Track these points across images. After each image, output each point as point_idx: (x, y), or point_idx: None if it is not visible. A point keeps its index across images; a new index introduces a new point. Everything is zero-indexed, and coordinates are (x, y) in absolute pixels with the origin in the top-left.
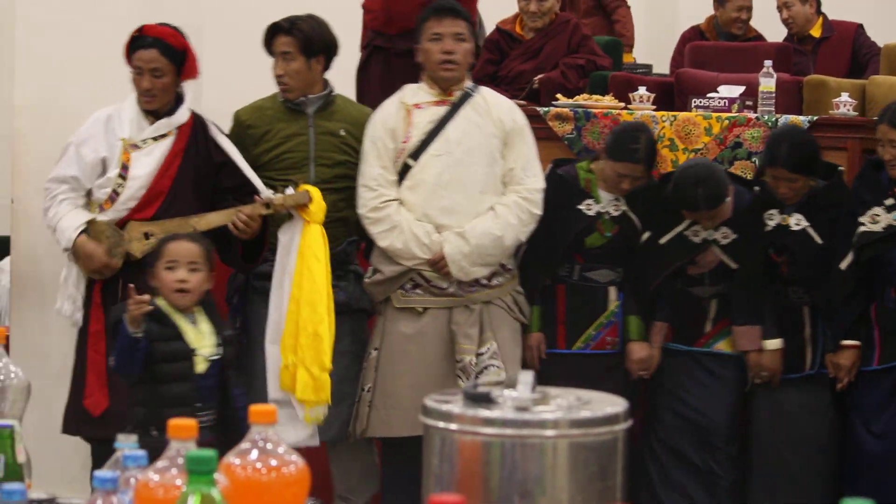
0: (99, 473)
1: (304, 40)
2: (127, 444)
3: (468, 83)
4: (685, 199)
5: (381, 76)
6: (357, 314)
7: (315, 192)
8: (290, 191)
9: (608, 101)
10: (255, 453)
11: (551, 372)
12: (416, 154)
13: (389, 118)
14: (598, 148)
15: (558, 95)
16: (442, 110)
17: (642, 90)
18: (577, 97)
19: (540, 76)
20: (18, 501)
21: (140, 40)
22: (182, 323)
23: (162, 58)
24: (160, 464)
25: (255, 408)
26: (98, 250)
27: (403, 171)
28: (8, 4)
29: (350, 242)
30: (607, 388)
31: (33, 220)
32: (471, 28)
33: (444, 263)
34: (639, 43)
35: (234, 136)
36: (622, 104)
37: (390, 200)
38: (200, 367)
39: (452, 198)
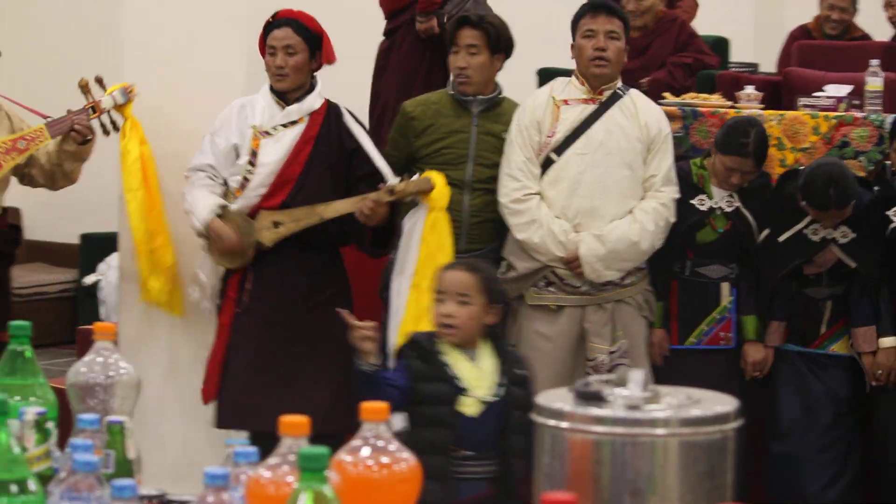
0: (210, 470)
1: (493, 35)
2: (238, 441)
3: (619, 84)
4: (816, 199)
5: (401, 60)
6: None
7: (438, 179)
8: (415, 176)
9: (716, 99)
10: (366, 450)
11: (666, 367)
12: (559, 150)
13: (538, 109)
14: (710, 143)
15: (665, 94)
16: (589, 108)
17: (749, 89)
18: (684, 96)
19: (648, 77)
20: (129, 497)
21: (274, 23)
22: (456, 360)
23: (295, 35)
24: (272, 460)
25: (366, 405)
26: (229, 232)
27: (546, 166)
28: (116, 2)
29: (500, 243)
30: (722, 385)
31: None
32: (626, 27)
33: (577, 263)
34: (746, 41)
35: (398, 125)
36: (729, 103)
37: (532, 194)
38: (472, 409)
39: (592, 198)
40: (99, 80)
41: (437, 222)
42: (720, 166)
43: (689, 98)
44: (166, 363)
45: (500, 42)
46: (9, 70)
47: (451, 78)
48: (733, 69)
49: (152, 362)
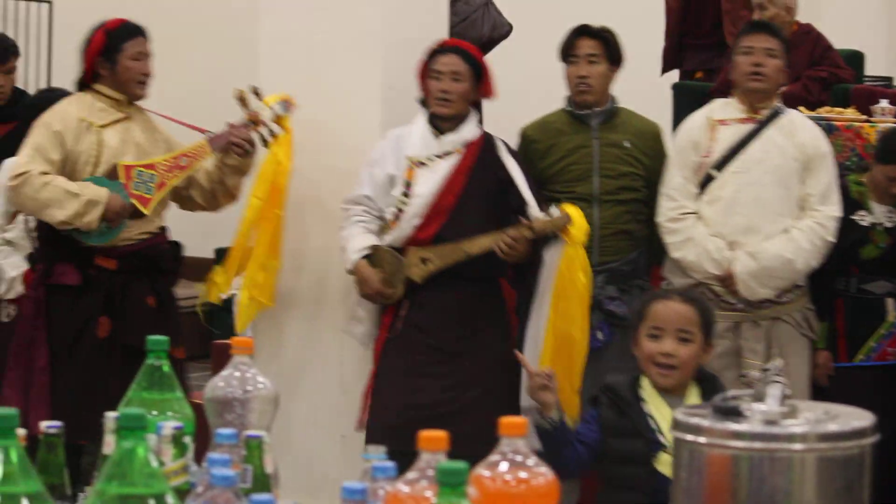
0: (348, 485)
1: (612, 45)
2: (376, 456)
3: (777, 103)
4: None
5: None
6: None
7: (576, 214)
8: (554, 211)
9: (850, 113)
10: (504, 465)
11: (836, 386)
12: (716, 169)
13: (694, 130)
14: (845, 157)
15: (800, 108)
16: (747, 128)
17: (884, 103)
18: (818, 110)
19: (783, 89)
20: None
21: (439, 49)
22: (659, 407)
23: (463, 63)
24: (410, 475)
25: (505, 420)
26: (373, 277)
27: (705, 183)
28: (252, 17)
29: (639, 255)
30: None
31: None
32: (785, 47)
33: (732, 281)
34: (881, 55)
35: (520, 152)
36: (864, 117)
37: (688, 213)
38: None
39: (748, 216)
40: (255, 91)
41: (573, 258)
42: (881, 177)
43: (824, 112)
44: (300, 378)
45: (617, 52)
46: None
47: (567, 94)
48: (868, 83)
49: (286, 377)
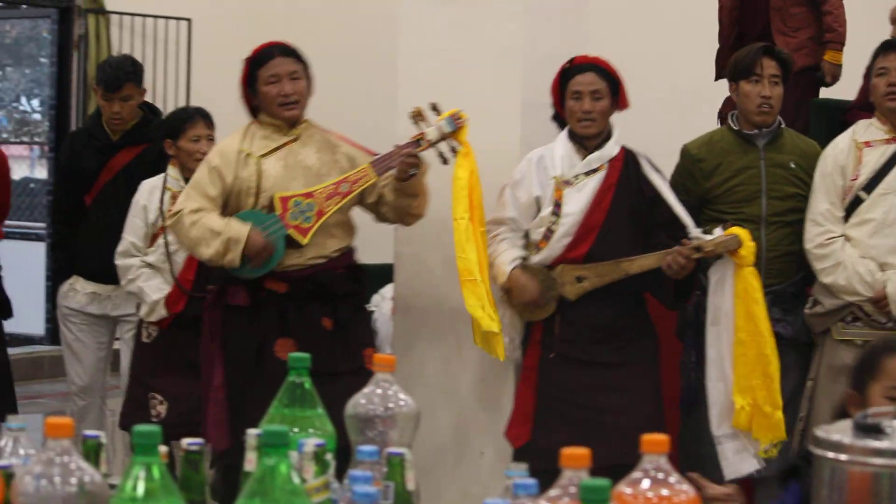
0: (489, 502)
1: (789, 67)
2: (518, 473)
3: None
4: None
5: None
6: (804, 348)
7: (744, 235)
8: (718, 231)
9: None
10: (646, 482)
11: None
12: (864, 192)
13: (840, 155)
14: None
15: None
16: (892, 148)
17: None
18: None
19: None
20: None
21: (575, 68)
22: None
23: (601, 81)
24: (553, 493)
25: (647, 437)
26: (531, 283)
27: (852, 207)
28: (391, 34)
29: (803, 276)
30: None
31: (416, 247)
32: None
33: (885, 303)
34: None
35: (682, 169)
36: None
37: (836, 237)
38: None
39: None
40: (434, 107)
41: (749, 279)
42: None
43: None
44: (441, 395)
45: (791, 73)
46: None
47: (734, 112)
48: None
49: (426, 394)
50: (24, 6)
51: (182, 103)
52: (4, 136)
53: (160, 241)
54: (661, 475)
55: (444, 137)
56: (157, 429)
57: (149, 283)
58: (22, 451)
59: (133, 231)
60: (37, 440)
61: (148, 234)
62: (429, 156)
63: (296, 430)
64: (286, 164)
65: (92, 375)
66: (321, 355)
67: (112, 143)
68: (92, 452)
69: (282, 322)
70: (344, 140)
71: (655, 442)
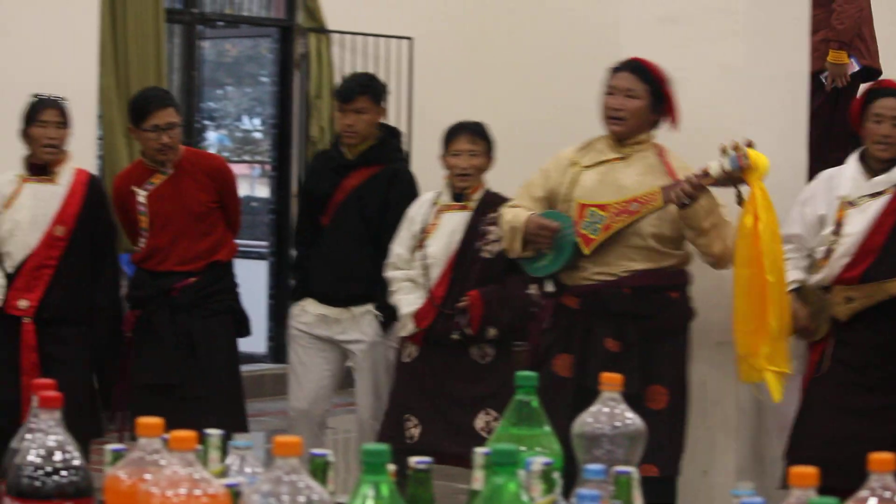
0: None
1: None
2: (745, 492)
3: None
4: None
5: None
6: None
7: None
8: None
9: None
10: (873, 501)
11: None
12: None
13: None
14: None
15: None
16: None
17: None
18: None
19: None
20: None
21: (882, 91)
22: None
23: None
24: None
25: (875, 455)
26: (800, 312)
27: None
28: (614, 48)
29: None
30: None
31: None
32: None
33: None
34: None
35: None
36: None
37: None
38: None
39: None
40: (749, 144)
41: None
42: None
43: None
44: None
45: None
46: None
47: None
48: None
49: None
50: (246, 25)
51: (404, 122)
52: (226, 154)
53: (417, 254)
54: (887, 494)
55: (728, 175)
56: (386, 447)
57: (406, 297)
58: (248, 470)
59: (401, 242)
60: (260, 458)
61: (413, 246)
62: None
63: (523, 448)
64: (602, 180)
65: (312, 401)
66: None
67: (346, 162)
68: (319, 471)
69: (566, 338)
70: (671, 170)
71: (883, 461)
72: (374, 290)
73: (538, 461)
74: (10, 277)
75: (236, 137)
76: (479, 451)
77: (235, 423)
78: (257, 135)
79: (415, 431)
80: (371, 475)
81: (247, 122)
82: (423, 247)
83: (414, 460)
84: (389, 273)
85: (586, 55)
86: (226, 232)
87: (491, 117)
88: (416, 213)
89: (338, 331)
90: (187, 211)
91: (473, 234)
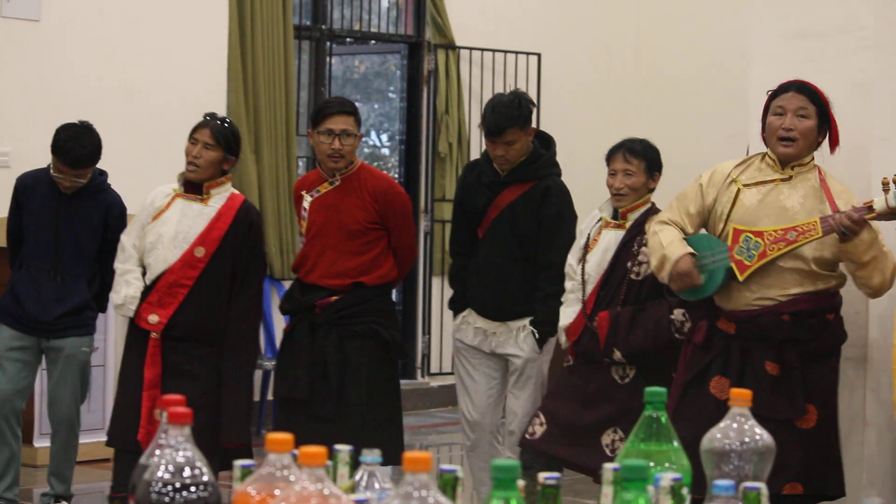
0: None
1: None
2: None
3: None
4: None
5: None
6: None
7: None
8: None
9: None
10: None
11: None
12: None
13: None
14: None
15: None
16: None
17: None
18: None
19: None
20: None
21: None
22: None
23: None
24: None
25: None
26: None
27: None
28: (744, 67)
29: None
30: None
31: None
32: None
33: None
34: None
35: None
36: None
37: None
38: None
39: None
40: None
41: None
42: None
43: None
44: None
45: None
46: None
47: None
48: None
49: None
50: (374, 42)
51: None
52: None
53: (578, 268)
54: None
55: (892, 210)
56: (516, 463)
57: (566, 310)
58: (377, 486)
59: (573, 254)
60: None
61: (580, 259)
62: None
63: (651, 464)
64: (763, 200)
65: (482, 412)
66: (761, 400)
67: (499, 179)
68: (448, 486)
69: (723, 361)
70: (830, 196)
71: None
72: (528, 306)
73: (667, 477)
74: (146, 290)
75: (364, 153)
76: (609, 467)
77: (380, 447)
78: (385, 150)
79: (539, 429)
80: (501, 491)
81: (375, 138)
82: (584, 261)
83: (543, 476)
84: (566, 283)
85: (716, 68)
86: (384, 257)
87: (617, 133)
88: (586, 226)
89: (496, 343)
90: (341, 225)
91: (625, 253)
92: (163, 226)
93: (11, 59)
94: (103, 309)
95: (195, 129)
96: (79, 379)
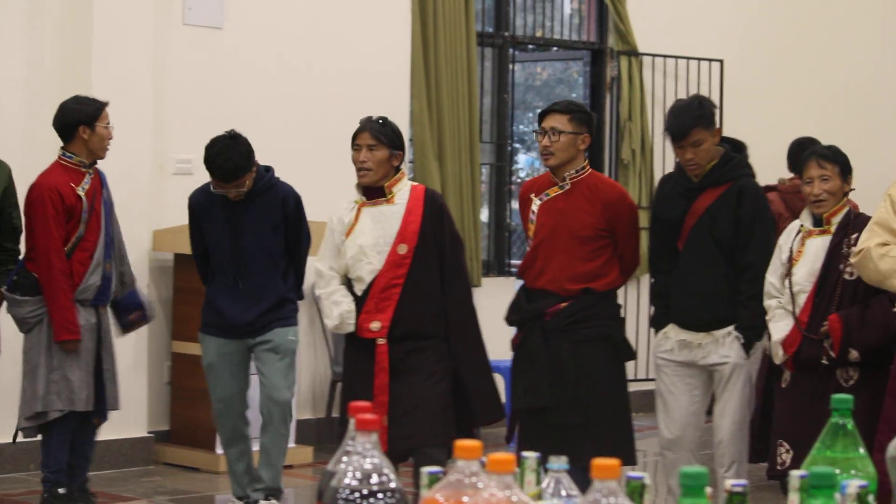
0: None
1: None
2: None
3: None
4: None
5: None
6: None
7: None
8: None
9: None
10: None
11: None
12: None
13: None
14: None
15: None
16: None
17: None
18: None
19: None
20: None
21: None
22: None
23: None
24: None
25: None
26: None
27: None
28: None
29: None
30: None
31: None
32: None
33: None
34: None
35: None
36: None
37: None
38: None
39: None
40: None
41: None
42: None
43: None
44: None
45: None
46: None
47: None
48: None
49: None
50: (556, 49)
51: None
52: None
53: (786, 282)
54: None
55: None
56: (704, 470)
57: (776, 325)
58: (563, 493)
59: (773, 271)
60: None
61: (784, 274)
62: None
63: (838, 471)
64: None
65: (682, 428)
66: None
67: (693, 185)
68: (636, 493)
69: None
70: None
71: None
72: (731, 312)
73: (854, 484)
74: (360, 301)
75: None
76: (796, 474)
77: (617, 450)
78: None
79: (786, 457)
80: (690, 498)
81: None
82: (790, 274)
83: (730, 483)
84: (766, 302)
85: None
86: (611, 264)
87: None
88: (785, 241)
89: (700, 355)
90: (570, 230)
91: (835, 257)
92: (359, 238)
93: (194, 66)
94: (301, 297)
95: (355, 136)
96: (290, 367)
